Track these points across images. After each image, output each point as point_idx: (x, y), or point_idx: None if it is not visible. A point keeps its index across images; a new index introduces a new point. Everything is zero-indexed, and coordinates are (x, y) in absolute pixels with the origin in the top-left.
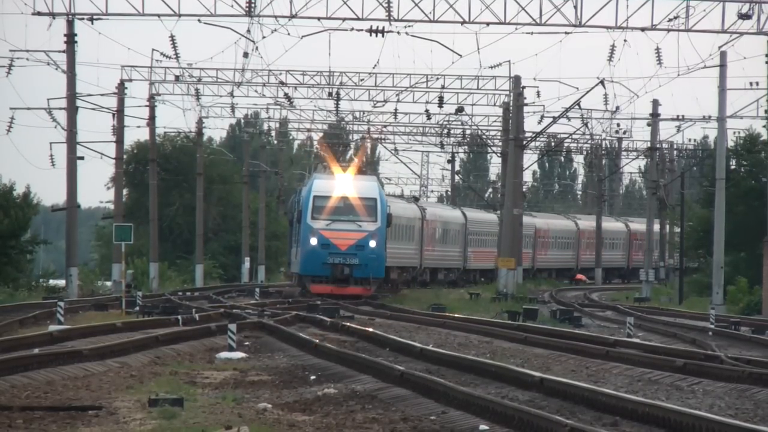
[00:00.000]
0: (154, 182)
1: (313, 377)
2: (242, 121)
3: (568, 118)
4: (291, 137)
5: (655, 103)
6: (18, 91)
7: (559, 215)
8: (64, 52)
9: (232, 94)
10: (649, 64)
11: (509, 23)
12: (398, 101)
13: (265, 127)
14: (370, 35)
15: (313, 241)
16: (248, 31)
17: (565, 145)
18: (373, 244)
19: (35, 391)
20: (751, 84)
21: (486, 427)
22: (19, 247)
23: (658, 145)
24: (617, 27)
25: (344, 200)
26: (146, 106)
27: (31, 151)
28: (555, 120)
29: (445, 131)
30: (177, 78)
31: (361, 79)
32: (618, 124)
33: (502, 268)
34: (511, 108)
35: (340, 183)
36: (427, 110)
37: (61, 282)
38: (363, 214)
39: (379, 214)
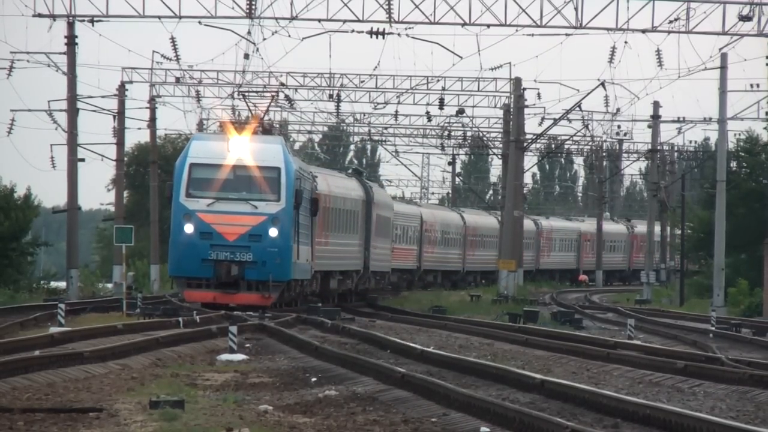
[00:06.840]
0: (155, 184)
1: (314, 379)
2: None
3: (569, 120)
4: (291, 139)
5: (656, 105)
6: (18, 93)
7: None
8: (64, 53)
9: (232, 96)
10: (649, 66)
11: (510, 25)
12: (399, 103)
13: None
14: (371, 37)
15: (189, 228)
16: (249, 32)
17: (566, 147)
18: (273, 233)
19: (36, 393)
20: (751, 86)
21: (487, 429)
22: (20, 248)
23: (658, 147)
24: (618, 29)
25: (234, 171)
26: (147, 108)
27: (31, 152)
28: (556, 122)
29: (446, 133)
30: (178, 80)
31: (362, 81)
32: (619, 126)
33: (503, 269)
34: (511, 110)
35: (230, 147)
36: (427, 112)
37: (62, 284)
38: (261, 191)
39: (283, 191)
